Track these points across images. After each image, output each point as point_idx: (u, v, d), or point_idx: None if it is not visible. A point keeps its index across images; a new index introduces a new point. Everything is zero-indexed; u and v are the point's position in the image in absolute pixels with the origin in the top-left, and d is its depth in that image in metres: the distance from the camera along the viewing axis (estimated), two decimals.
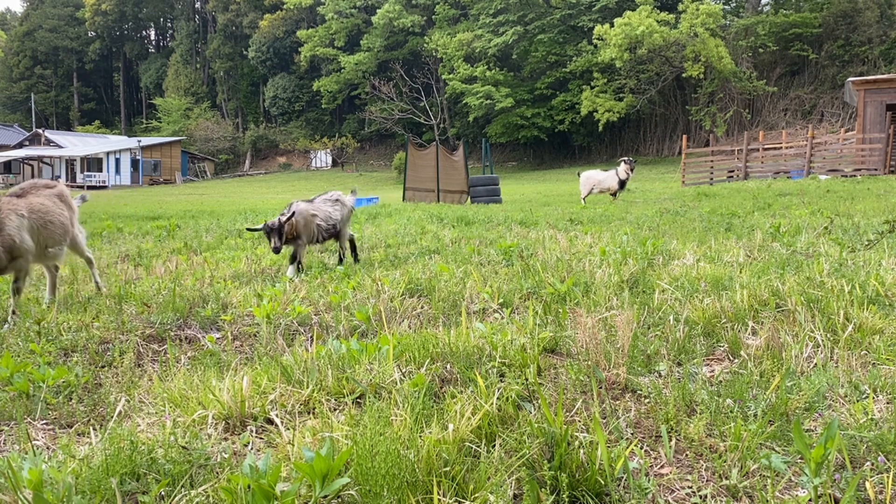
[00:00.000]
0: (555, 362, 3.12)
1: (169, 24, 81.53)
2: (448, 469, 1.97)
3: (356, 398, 2.68)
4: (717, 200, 13.59)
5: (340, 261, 6.61)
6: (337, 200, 6.64)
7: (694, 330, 3.40)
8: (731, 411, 2.38)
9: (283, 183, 48.11)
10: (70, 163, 52.20)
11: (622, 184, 16.59)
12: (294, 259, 6.02)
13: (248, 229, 6.22)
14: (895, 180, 16.76)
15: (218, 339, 3.83)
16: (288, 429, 2.39)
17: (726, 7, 48.41)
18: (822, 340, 3.08)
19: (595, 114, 42.78)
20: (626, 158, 16.73)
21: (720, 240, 6.59)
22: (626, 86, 43.05)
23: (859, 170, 22.26)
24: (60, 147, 55.27)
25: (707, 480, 2.05)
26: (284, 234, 5.84)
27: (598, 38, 42.02)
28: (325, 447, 1.90)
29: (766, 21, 42.48)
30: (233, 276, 5.86)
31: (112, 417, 2.62)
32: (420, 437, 2.11)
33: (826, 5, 41.89)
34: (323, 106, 60.04)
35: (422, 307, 4.29)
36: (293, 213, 5.95)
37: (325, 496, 1.88)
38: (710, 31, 39.85)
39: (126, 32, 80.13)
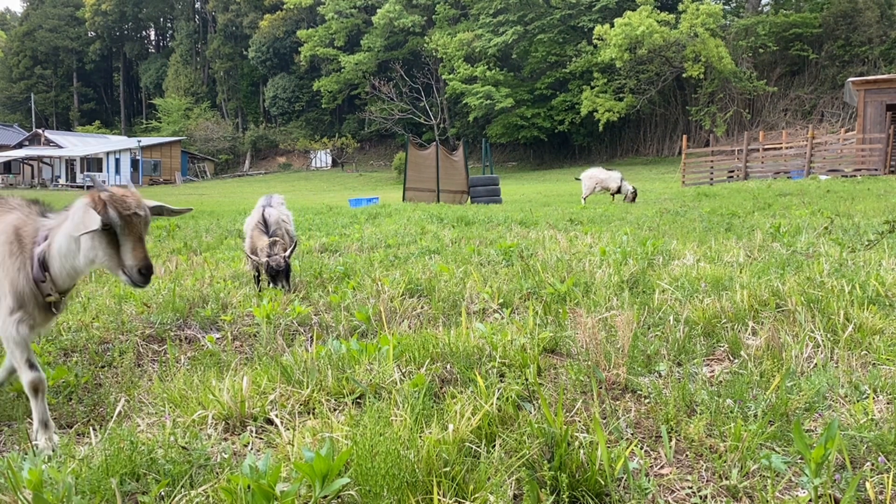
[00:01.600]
0: (555, 362, 3.12)
1: (169, 25, 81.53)
2: (448, 469, 1.97)
3: (356, 398, 2.67)
4: (717, 200, 13.58)
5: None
6: (282, 203, 5.82)
7: (694, 330, 3.40)
8: (731, 411, 2.37)
9: (283, 183, 48.10)
10: (70, 163, 52.20)
11: (619, 189, 17.15)
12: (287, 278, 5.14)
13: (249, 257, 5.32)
14: (895, 180, 16.76)
15: (218, 339, 3.83)
16: (288, 429, 2.39)
17: (726, 7, 48.42)
18: (823, 340, 3.08)
19: (595, 114, 42.79)
20: (633, 188, 17.25)
21: (720, 240, 6.59)
22: (626, 86, 43.06)
23: (859, 170, 22.26)
24: (60, 147, 55.26)
25: (707, 481, 2.04)
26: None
27: (598, 38, 42.03)
28: (324, 447, 1.90)
29: (766, 21, 42.49)
30: (233, 277, 5.85)
31: (112, 417, 2.61)
32: (420, 437, 2.11)
33: (826, 5, 41.89)
34: (323, 106, 60.05)
35: (422, 307, 4.29)
36: (294, 244, 5.22)
37: (325, 496, 1.88)
38: (710, 31, 39.87)
39: (126, 32, 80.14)
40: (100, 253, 2.46)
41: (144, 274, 2.45)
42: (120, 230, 2.45)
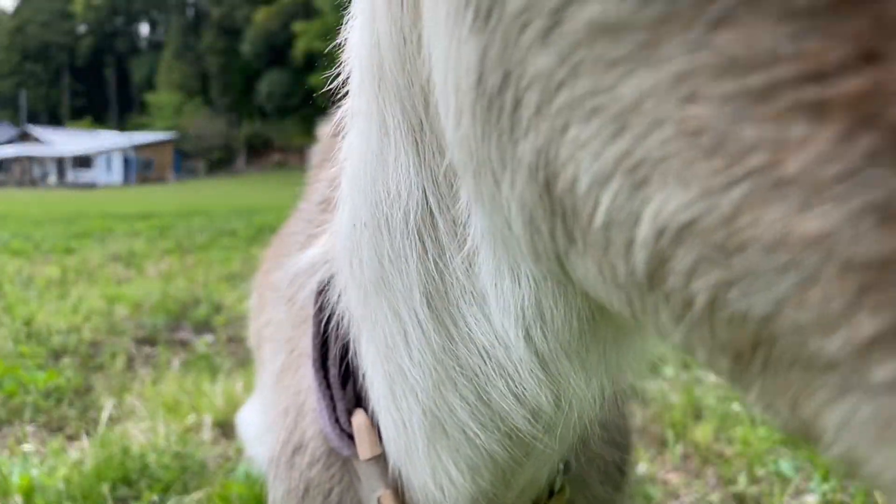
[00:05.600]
0: None
1: (161, 19, 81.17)
2: None
3: None
4: None
5: None
6: None
7: None
8: (738, 416, 2.35)
9: (279, 182, 47.93)
10: (60, 160, 51.83)
11: None
12: None
13: None
14: None
15: (211, 341, 3.78)
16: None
17: None
18: None
19: None
20: None
21: None
22: None
23: None
24: (50, 144, 54.87)
25: (714, 487, 2.01)
26: None
27: None
28: None
29: None
30: (226, 277, 5.79)
31: (102, 422, 2.56)
32: None
33: None
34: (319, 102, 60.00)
35: None
36: None
37: None
38: None
39: (117, 27, 79.75)
40: None
41: None
42: None
